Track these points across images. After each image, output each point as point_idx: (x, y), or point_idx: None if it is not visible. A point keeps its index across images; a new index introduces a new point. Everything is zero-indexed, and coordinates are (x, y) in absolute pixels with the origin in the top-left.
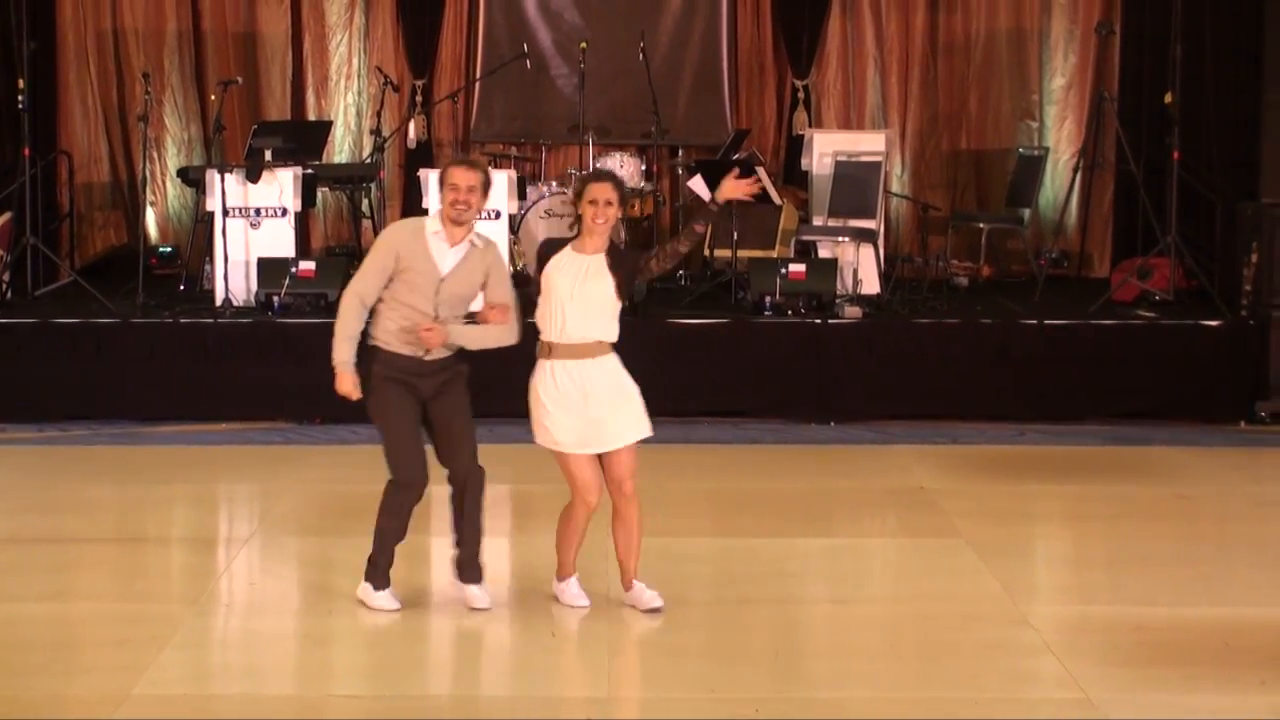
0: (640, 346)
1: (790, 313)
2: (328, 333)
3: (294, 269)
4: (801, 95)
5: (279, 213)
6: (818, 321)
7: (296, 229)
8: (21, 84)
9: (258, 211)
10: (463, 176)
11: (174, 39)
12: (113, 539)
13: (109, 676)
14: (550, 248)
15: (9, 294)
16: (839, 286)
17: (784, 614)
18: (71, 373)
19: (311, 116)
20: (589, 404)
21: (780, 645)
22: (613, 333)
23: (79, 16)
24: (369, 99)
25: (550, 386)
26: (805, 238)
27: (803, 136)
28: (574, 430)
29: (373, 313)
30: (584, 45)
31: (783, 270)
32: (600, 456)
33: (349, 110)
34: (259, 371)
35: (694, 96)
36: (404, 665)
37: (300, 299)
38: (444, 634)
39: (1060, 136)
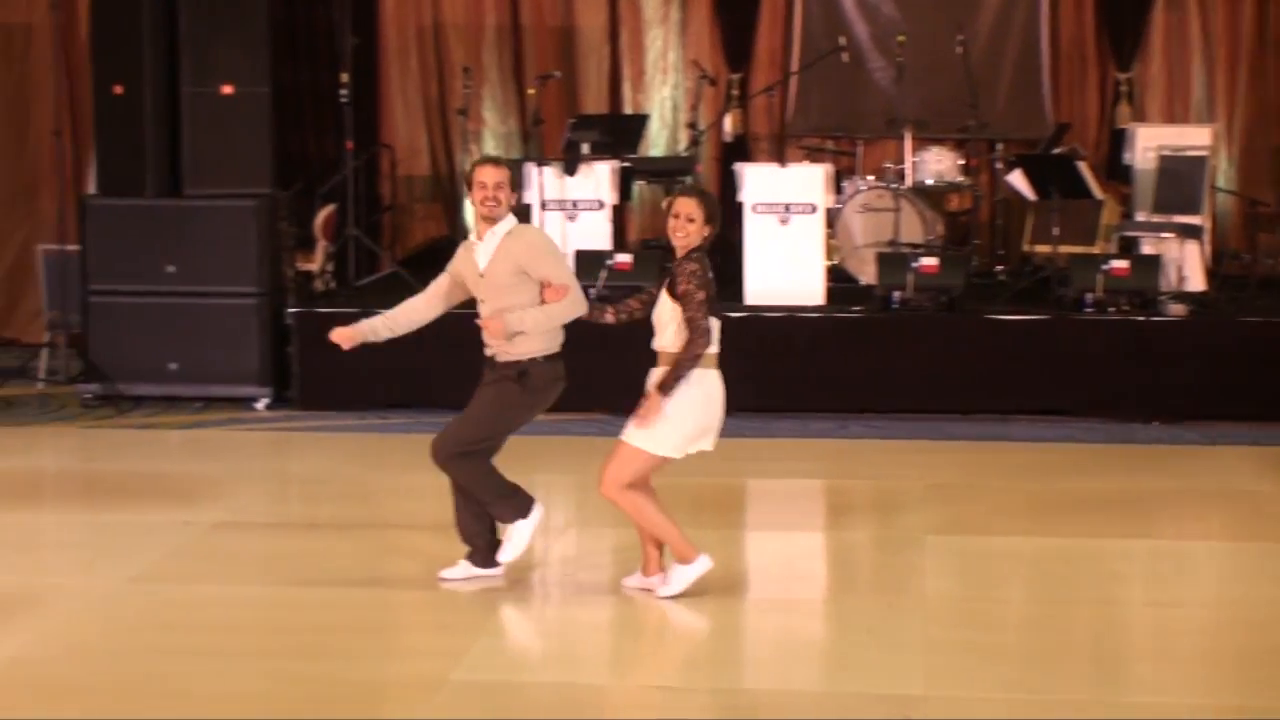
0: (957, 342)
1: (1112, 309)
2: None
3: (610, 262)
4: (1124, 88)
5: (596, 205)
6: (1140, 319)
7: (613, 222)
8: (345, 79)
9: (575, 204)
10: (490, 174)
11: (493, 34)
12: (430, 526)
13: (427, 661)
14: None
15: (332, 283)
16: (1163, 283)
17: (1103, 616)
18: (391, 361)
19: (628, 110)
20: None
21: (1099, 648)
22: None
23: (401, 12)
24: (685, 92)
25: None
26: (1128, 233)
27: (1125, 130)
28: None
29: None
30: (902, 38)
31: (1104, 266)
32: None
33: (665, 104)
34: (577, 363)
35: (1013, 89)
36: (716, 658)
37: (616, 291)
38: (755, 628)
39: None
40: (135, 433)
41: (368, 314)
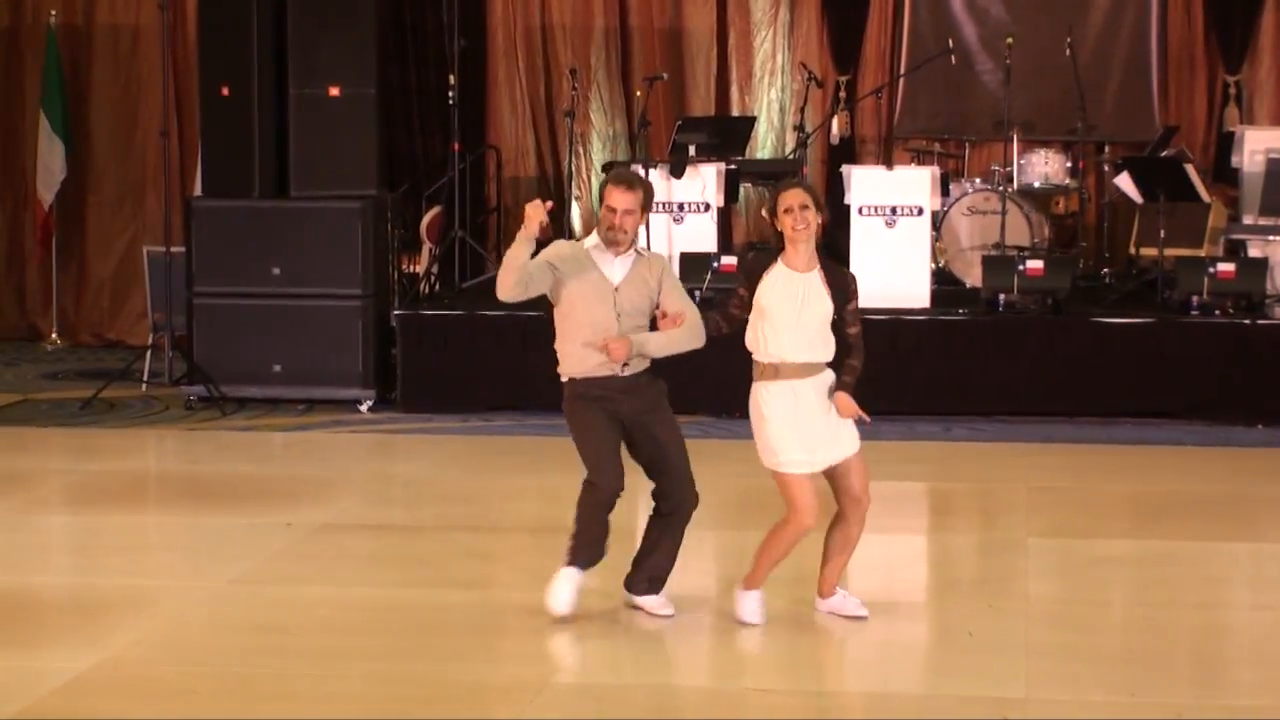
0: (1063, 345)
1: (1218, 312)
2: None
3: (716, 264)
4: (1233, 90)
5: (701, 208)
6: (1247, 322)
7: (719, 224)
8: (452, 80)
9: (681, 206)
10: (619, 199)
11: (601, 35)
12: (532, 529)
13: (529, 664)
14: (758, 264)
15: (437, 286)
16: (1270, 287)
17: (1207, 619)
18: (496, 364)
19: (735, 112)
20: (812, 422)
21: (1203, 651)
22: (830, 351)
23: (509, 14)
24: (792, 95)
25: (776, 407)
26: (1235, 236)
27: (1233, 133)
28: (801, 448)
29: (557, 355)
30: (1010, 40)
31: (1211, 269)
32: (829, 473)
33: (772, 106)
34: (680, 364)
35: (1121, 92)
36: (815, 660)
37: (722, 293)
38: (856, 631)
39: None
40: (238, 435)
41: (472, 317)
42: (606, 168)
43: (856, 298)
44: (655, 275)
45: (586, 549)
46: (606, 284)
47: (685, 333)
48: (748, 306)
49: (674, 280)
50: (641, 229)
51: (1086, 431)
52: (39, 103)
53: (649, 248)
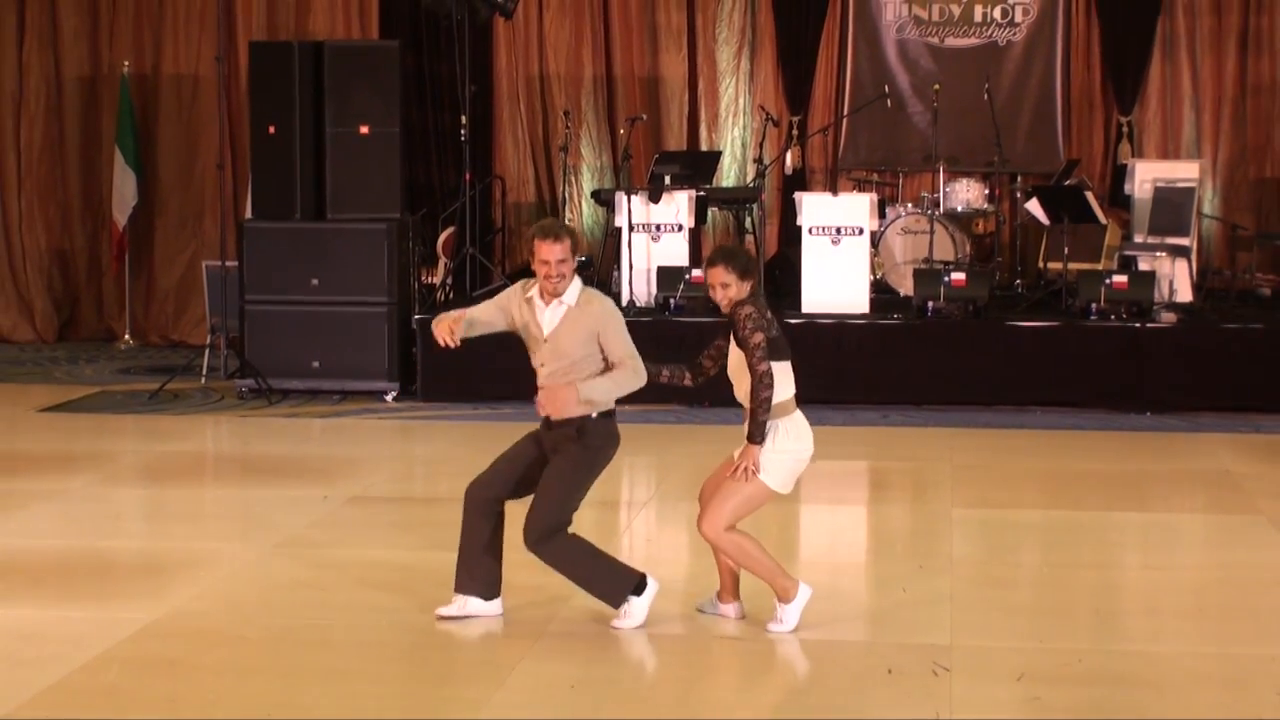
0: (983, 345)
1: (1113, 317)
2: (709, 331)
3: (688, 276)
4: (1125, 129)
5: (676, 228)
6: (1137, 325)
7: (690, 242)
8: (464, 120)
9: (658, 227)
10: (550, 251)
11: (590, 82)
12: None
13: (529, 615)
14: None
15: (451, 295)
16: (1157, 295)
17: (1104, 578)
18: (501, 361)
19: (704, 147)
20: None
21: (1100, 605)
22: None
23: (512, 64)
24: (752, 132)
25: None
26: (1127, 253)
27: (1126, 165)
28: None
29: None
30: (937, 87)
31: (1107, 281)
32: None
33: (735, 142)
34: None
35: (1031, 130)
36: (769, 612)
37: (693, 301)
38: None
39: None
40: (283, 421)
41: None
42: (595, 194)
43: (743, 328)
44: (595, 319)
45: (614, 576)
46: (538, 329)
47: (627, 376)
48: (722, 357)
49: (615, 326)
50: (625, 245)
51: (1003, 418)
52: (114, 140)
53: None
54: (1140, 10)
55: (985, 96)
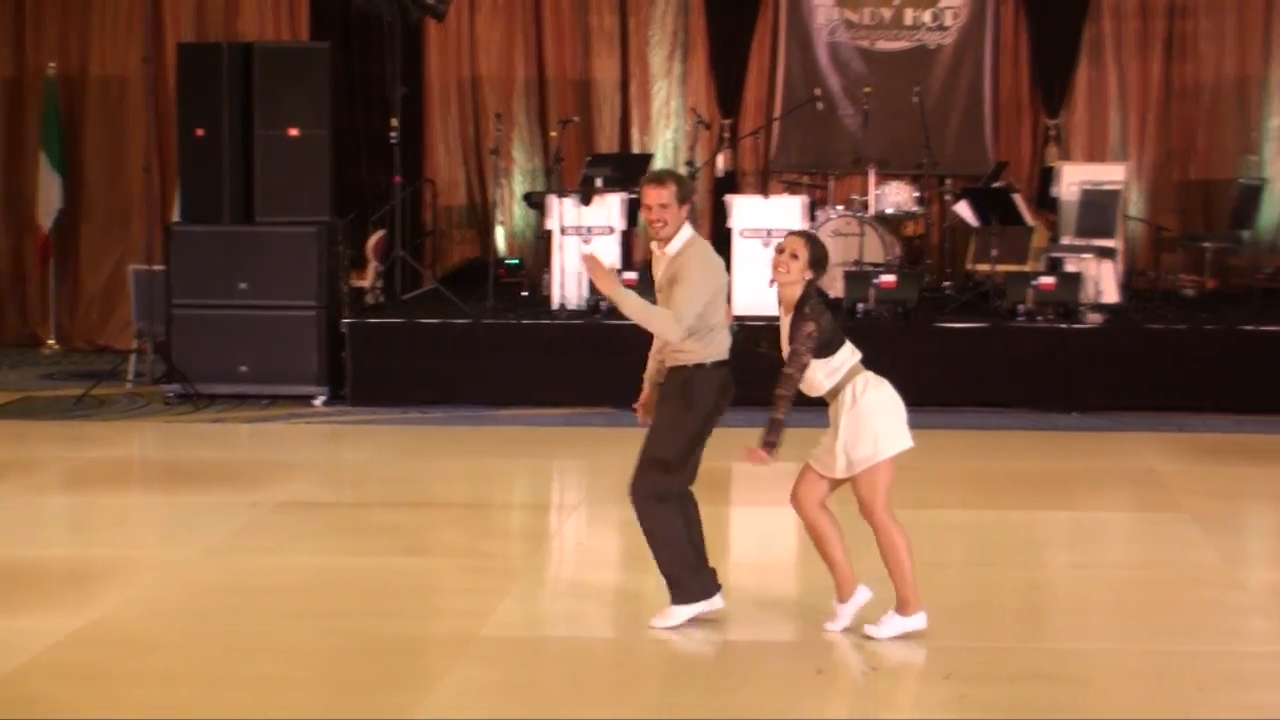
0: (912, 345)
1: (1040, 318)
2: (644, 330)
3: (620, 278)
4: (1053, 132)
5: (607, 231)
6: (1064, 326)
7: (621, 244)
8: (394, 122)
9: (589, 230)
10: (651, 194)
11: (522, 85)
12: (463, 504)
13: (460, 620)
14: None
15: (380, 298)
16: (1083, 296)
17: (1030, 576)
18: (431, 364)
19: (635, 150)
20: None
21: (1027, 603)
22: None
23: (444, 66)
24: (684, 135)
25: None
26: (1054, 254)
27: (1053, 168)
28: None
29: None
30: (868, 90)
31: (1034, 282)
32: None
33: (667, 145)
34: (588, 364)
35: (961, 133)
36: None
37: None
38: (737, 587)
39: (1277, 169)
40: (210, 426)
41: (411, 324)
42: (526, 197)
43: (803, 320)
44: (678, 267)
45: (698, 576)
46: (657, 280)
47: (661, 315)
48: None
49: (688, 277)
50: (556, 248)
51: (932, 419)
52: (39, 142)
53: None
54: (1068, 15)
55: (915, 100)
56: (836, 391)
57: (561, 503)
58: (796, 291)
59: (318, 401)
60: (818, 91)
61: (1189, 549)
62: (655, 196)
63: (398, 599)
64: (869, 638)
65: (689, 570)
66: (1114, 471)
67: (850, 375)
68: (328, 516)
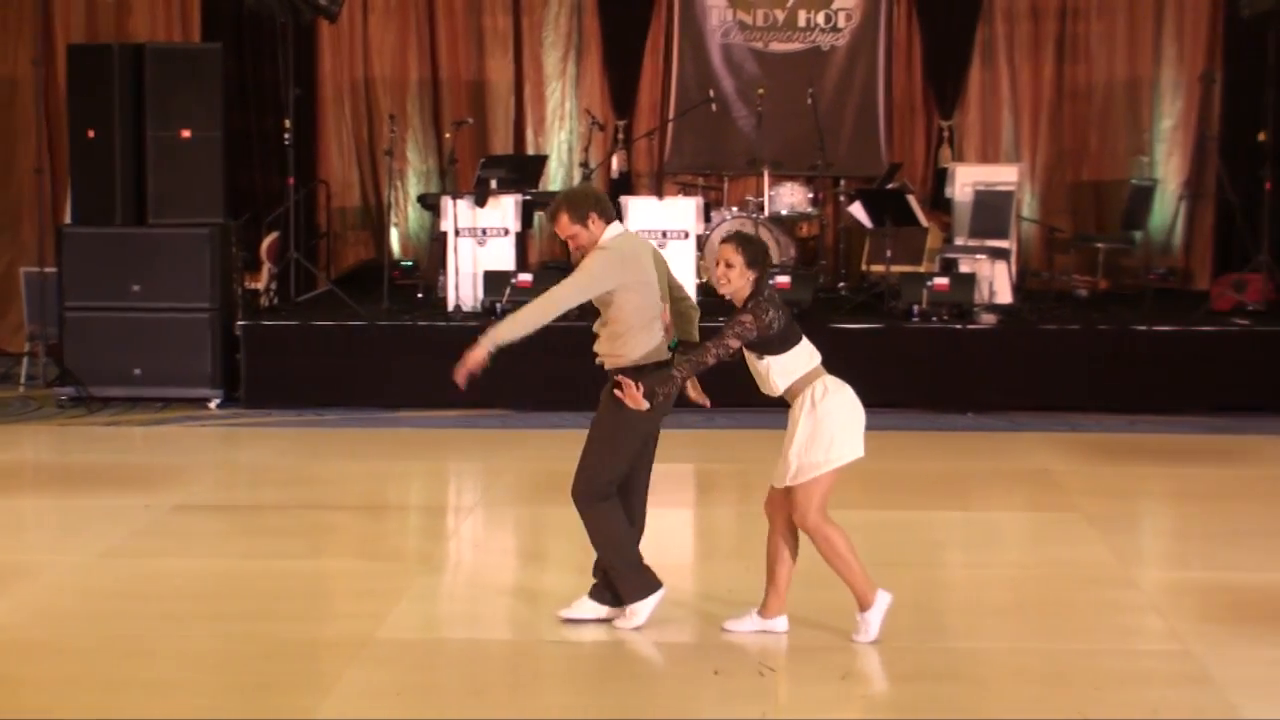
0: None
1: (935, 319)
2: (540, 333)
3: (514, 280)
4: (946, 134)
5: (502, 233)
6: (958, 327)
7: (517, 246)
8: (287, 124)
9: (484, 231)
10: (558, 228)
11: (415, 86)
12: (359, 507)
13: (355, 623)
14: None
15: (275, 300)
16: (977, 297)
17: (926, 576)
18: (326, 367)
19: (530, 151)
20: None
21: (922, 602)
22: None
23: (337, 67)
24: (579, 136)
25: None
26: (948, 255)
27: (947, 169)
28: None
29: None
30: (761, 91)
31: (929, 283)
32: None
33: (562, 146)
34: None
35: (854, 135)
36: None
37: (518, 305)
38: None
39: (1168, 170)
40: (104, 429)
41: (306, 326)
42: (421, 199)
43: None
44: None
45: (641, 575)
46: None
47: (526, 309)
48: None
49: (582, 265)
50: (451, 250)
51: None
52: None
53: (552, 261)
54: (960, 17)
55: (809, 101)
56: (795, 394)
57: (458, 504)
58: (746, 292)
59: (212, 404)
60: (711, 93)
61: (1084, 548)
62: (560, 230)
63: (294, 602)
64: (727, 630)
65: (634, 568)
66: (1009, 472)
67: (809, 379)
68: (223, 519)
